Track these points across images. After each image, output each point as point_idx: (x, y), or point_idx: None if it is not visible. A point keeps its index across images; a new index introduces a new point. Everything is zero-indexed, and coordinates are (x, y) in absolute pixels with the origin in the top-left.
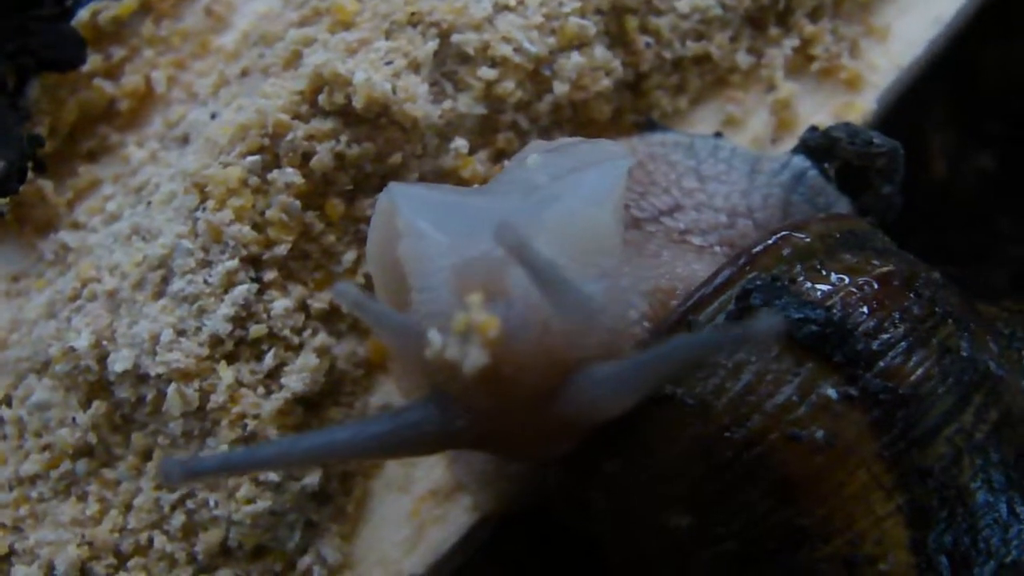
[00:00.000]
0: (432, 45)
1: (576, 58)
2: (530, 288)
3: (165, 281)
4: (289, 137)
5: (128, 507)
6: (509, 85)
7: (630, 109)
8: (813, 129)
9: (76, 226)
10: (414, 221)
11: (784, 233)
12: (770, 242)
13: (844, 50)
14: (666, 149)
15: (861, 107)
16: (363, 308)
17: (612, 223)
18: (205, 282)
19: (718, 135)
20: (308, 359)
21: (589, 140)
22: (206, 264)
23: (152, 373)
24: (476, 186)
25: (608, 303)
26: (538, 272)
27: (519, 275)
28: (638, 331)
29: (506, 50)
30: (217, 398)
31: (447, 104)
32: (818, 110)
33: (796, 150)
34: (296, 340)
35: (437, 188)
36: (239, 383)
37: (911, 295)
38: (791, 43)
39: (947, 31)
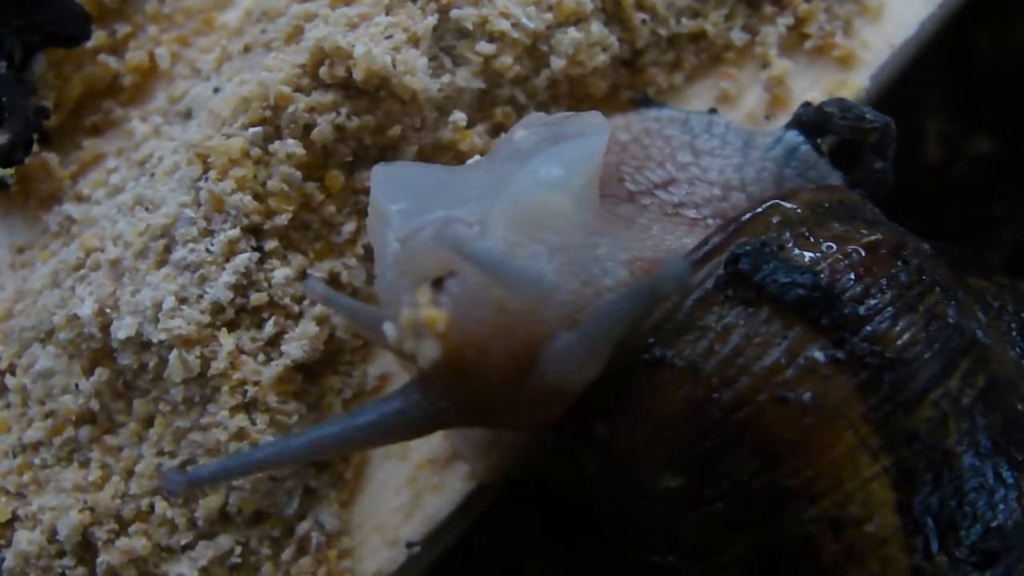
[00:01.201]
0: (431, 20)
1: (573, 34)
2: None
3: (167, 250)
4: (290, 109)
5: (130, 473)
6: (507, 60)
7: (626, 85)
8: (806, 105)
9: (80, 198)
10: (377, 198)
11: (773, 202)
12: (759, 210)
13: (838, 28)
14: (661, 124)
15: (854, 85)
16: (332, 302)
17: (565, 202)
18: (207, 251)
19: (713, 111)
20: (308, 327)
21: (579, 114)
22: (208, 233)
23: (154, 340)
24: (469, 161)
25: (564, 278)
26: (482, 266)
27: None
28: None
29: (504, 25)
30: (218, 365)
31: (446, 78)
32: (811, 87)
33: (789, 125)
34: (296, 308)
35: (423, 166)
36: (240, 350)
37: (899, 263)
38: (785, 21)
39: (941, 12)
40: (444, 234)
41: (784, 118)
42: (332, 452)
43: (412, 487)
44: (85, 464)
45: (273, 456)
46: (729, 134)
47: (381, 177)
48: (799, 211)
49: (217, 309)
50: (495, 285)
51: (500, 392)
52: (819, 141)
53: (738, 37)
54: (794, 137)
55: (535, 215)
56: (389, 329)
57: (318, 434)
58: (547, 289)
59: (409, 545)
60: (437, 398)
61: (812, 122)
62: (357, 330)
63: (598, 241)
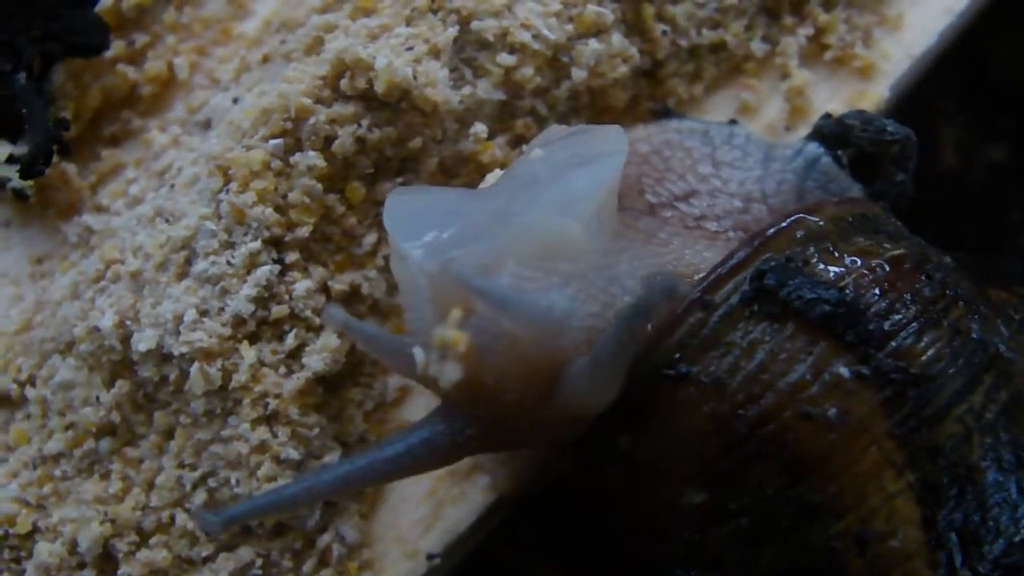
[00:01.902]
0: (452, 31)
1: (594, 45)
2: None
3: (188, 262)
4: (311, 121)
5: (150, 485)
6: (528, 71)
7: (646, 96)
8: (827, 116)
9: (99, 209)
10: (397, 242)
11: (798, 216)
12: (784, 224)
13: (857, 39)
14: (682, 136)
15: (874, 95)
16: (353, 330)
17: (578, 231)
18: (228, 263)
19: (733, 122)
20: (329, 339)
21: (598, 129)
22: (229, 245)
23: (175, 352)
24: (490, 175)
25: (582, 303)
26: (489, 300)
27: None
28: None
29: (525, 37)
30: (239, 377)
31: (467, 90)
32: (831, 98)
33: (810, 137)
34: (317, 321)
35: (435, 194)
36: (261, 363)
37: (922, 277)
38: (805, 32)
39: (959, 22)
40: (451, 270)
41: (804, 129)
42: (362, 486)
43: (432, 499)
44: (106, 476)
45: (303, 492)
46: (750, 146)
47: (395, 216)
48: (823, 225)
49: (238, 322)
50: (504, 319)
51: (522, 417)
52: (840, 153)
53: (758, 48)
54: (815, 149)
55: (547, 248)
56: (418, 353)
57: (347, 469)
58: (559, 318)
59: (430, 557)
60: (463, 425)
61: (833, 134)
62: (377, 357)
63: (616, 260)
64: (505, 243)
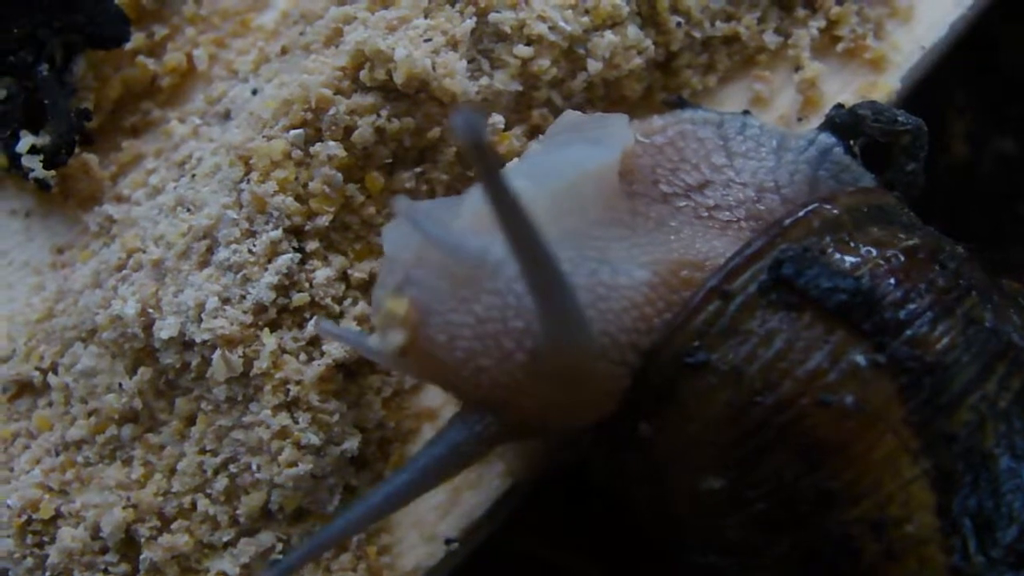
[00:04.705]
0: (470, 23)
1: (609, 37)
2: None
3: (210, 251)
4: (331, 111)
5: (172, 471)
6: (544, 63)
7: (661, 87)
8: (839, 107)
9: (120, 199)
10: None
11: (814, 206)
12: (800, 215)
13: (869, 31)
14: (696, 126)
15: (885, 87)
16: (343, 338)
17: (533, 194)
18: (249, 252)
19: (746, 113)
20: (349, 327)
21: (605, 117)
22: (251, 234)
23: (197, 340)
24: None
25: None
26: (431, 240)
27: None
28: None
29: (542, 28)
30: (260, 364)
31: (484, 81)
32: (843, 89)
33: (822, 127)
34: (337, 308)
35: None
36: (282, 350)
37: (936, 267)
38: (817, 24)
39: (970, 14)
40: (400, 211)
41: (816, 120)
42: (401, 506)
43: (450, 484)
44: (128, 462)
45: (353, 523)
46: (763, 136)
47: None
48: (839, 215)
49: (259, 309)
50: (439, 250)
51: (527, 394)
52: (851, 143)
53: (771, 40)
54: (827, 139)
55: None
56: (372, 342)
57: (387, 491)
58: (493, 260)
59: (448, 542)
60: (479, 420)
61: (845, 124)
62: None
63: (608, 244)
64: (466, 200)
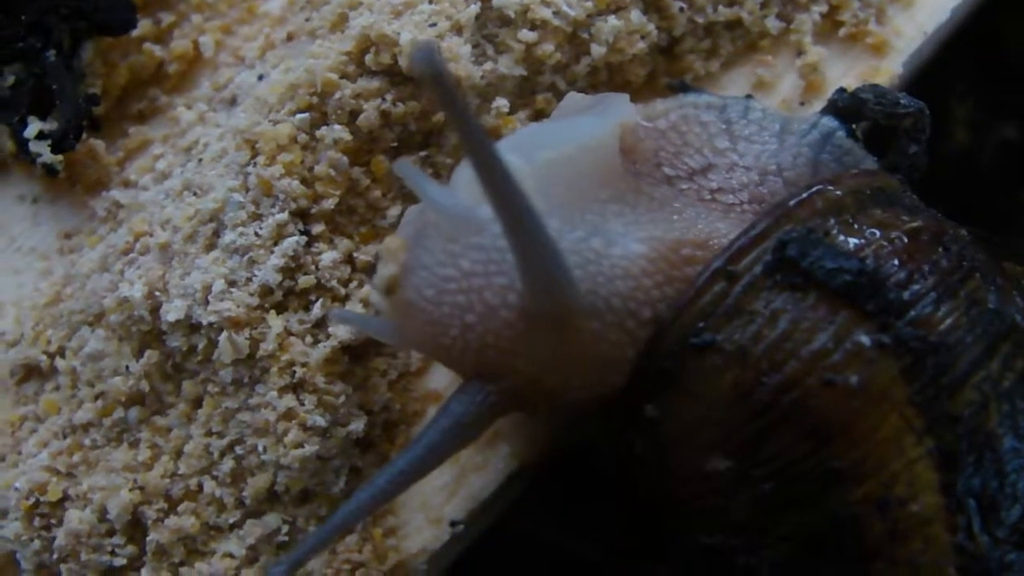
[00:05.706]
0: (474, 8)
1: (613, 22)
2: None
3: (217, 234)
4: (337, 96)
5: (179, 453)
6: (548, 47)
7: (664, 72)
8: (841, 91)
9: (127, 184)
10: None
11: (818, 188)
12: (804, 196)
13: (871, 16)
14: (699, 111)
15: (887, 71)
16: (350, 321)
17: (518, 164)
18: (256, 234)
19: (749, 97)
20: (354, 310)
21: (607, 96)
22: (257, 217)
23: (204, 322)
24: None
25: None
26: (425, 197)
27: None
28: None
29: (546, 13)
30: (267, 346)
31: (488, 65)
32: (845, 74)
33: (825, 111)
34: (343, 291)
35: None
36: (288, 332)
37: (939, 249)
38: (819, 9)
39: None
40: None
41: (819, 104)
42: (410, 486)
43: (455, 466)
44: (135, 444)
45: (359, 507)
46: (766, 120)
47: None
48: (843, 197)
49: (266, 292)
50: (431, 206)
51: (522, 356)
52: (854, 127)
53: (773, 25)
54: (829, 123)
55: None
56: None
57: (396, 468)
58: (480, 217)
59: (453, 524)
60: (479, 391)
61: (847, 108)
62: (376, 337)
63: (606, 219)
64: (463, 168)
